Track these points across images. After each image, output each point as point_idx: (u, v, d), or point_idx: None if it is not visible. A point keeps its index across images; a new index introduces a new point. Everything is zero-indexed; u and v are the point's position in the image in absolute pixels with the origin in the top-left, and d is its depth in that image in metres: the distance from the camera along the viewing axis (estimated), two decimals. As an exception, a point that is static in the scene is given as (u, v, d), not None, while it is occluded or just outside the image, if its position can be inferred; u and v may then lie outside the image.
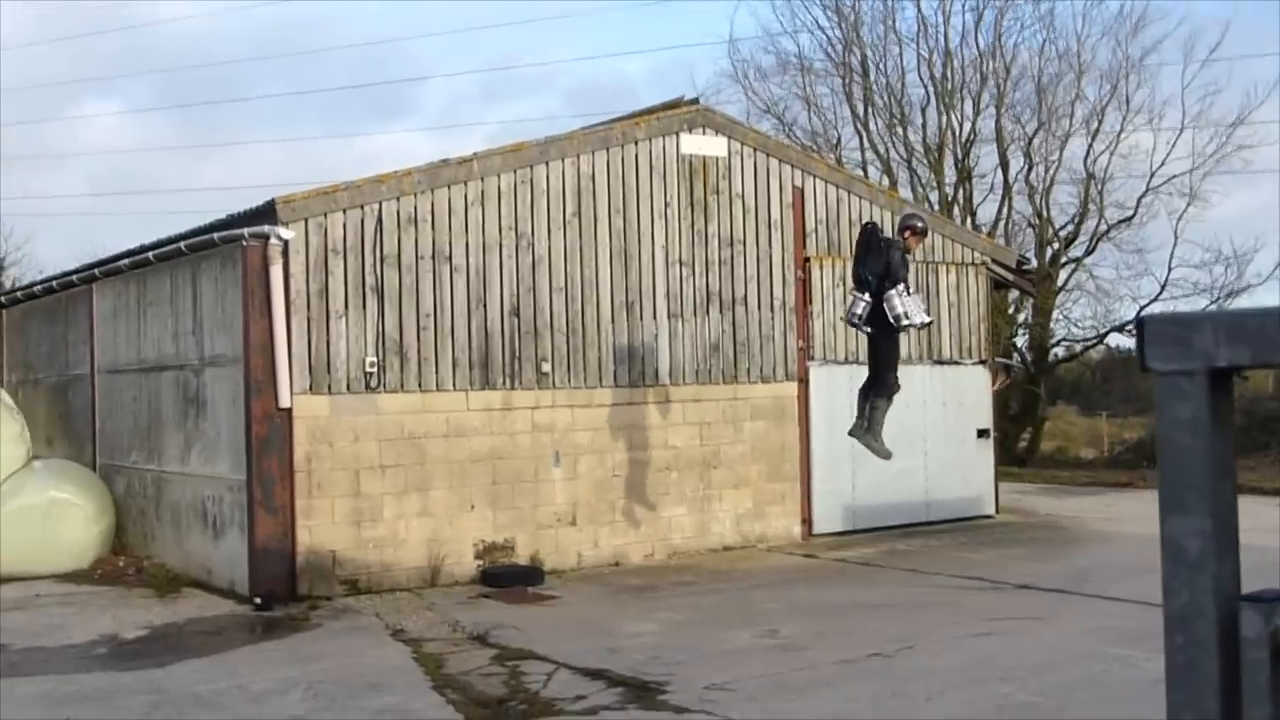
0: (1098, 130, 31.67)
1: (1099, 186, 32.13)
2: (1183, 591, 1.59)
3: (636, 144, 15.61)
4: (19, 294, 21.87)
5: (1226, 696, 1.55)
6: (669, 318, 15.77)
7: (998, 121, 32.64)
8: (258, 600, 12.71)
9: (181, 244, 14.25)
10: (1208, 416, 1.60)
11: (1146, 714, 7.89)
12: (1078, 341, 35.65)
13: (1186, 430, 1.61)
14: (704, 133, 16.21)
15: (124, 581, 14.52)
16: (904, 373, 17.77)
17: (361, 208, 13.59)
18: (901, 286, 12.13)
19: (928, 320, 13.05)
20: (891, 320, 12.15)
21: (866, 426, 12.72)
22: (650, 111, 16.57)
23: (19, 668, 10.23)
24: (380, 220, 13.70)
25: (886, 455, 12.90)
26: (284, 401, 13.02)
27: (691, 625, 11.51)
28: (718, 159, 16.30)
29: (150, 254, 15.06)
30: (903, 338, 13.23)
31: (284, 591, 12.91)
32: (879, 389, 12.75)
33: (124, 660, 10.50)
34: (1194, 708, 1.57)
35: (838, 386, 17.31)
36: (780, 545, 16.44)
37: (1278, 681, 1.55)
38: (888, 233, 13.17)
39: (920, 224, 12.82)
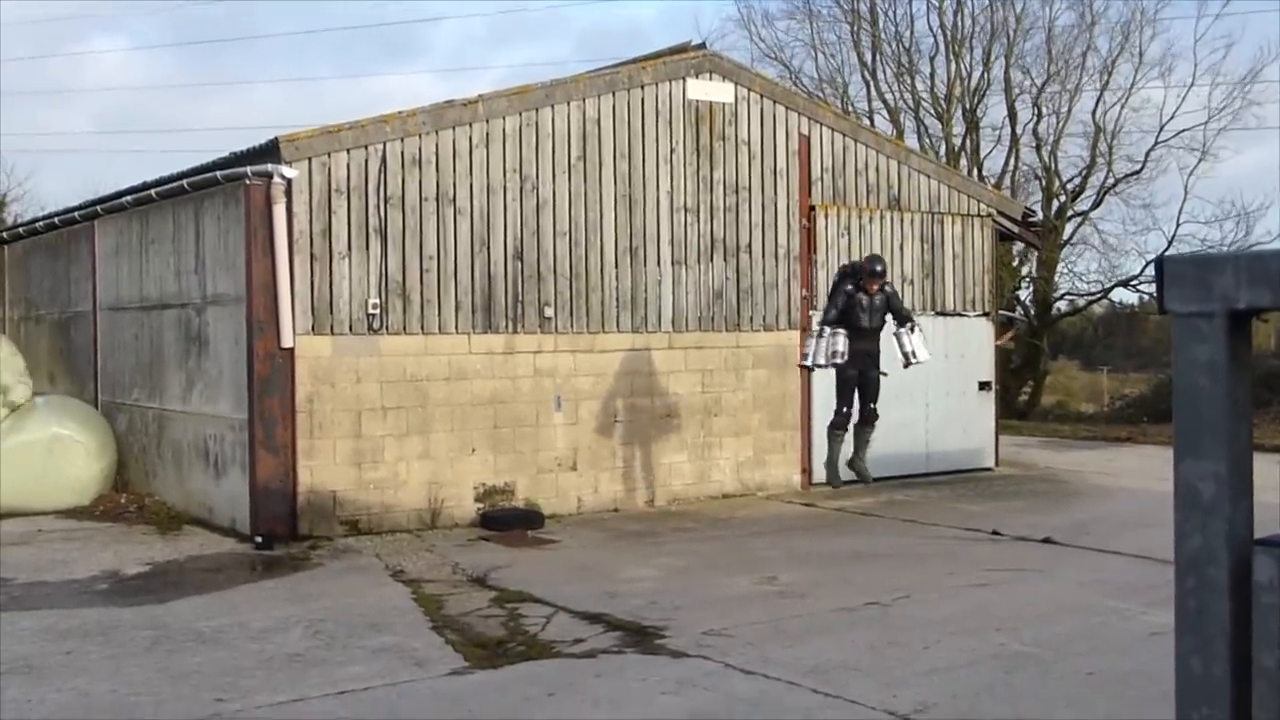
0: (1108, 82, 31.46)
1: (1108, 140, 31.97)
2: (1195, 535, 1.58)
3: (643, 88, 15.49)
4: (21, 230, 21.78)
5: (1236, 641, 1.54)
6: (673, 264, 15.72)
7: (1007, 72, 32.42)
8: (258, 539, 12.76)
9: (184, 182, 14.18)
10: (1226, 359, 1.58)
11: (1142, 666, 7.96)
12: (1081, 296, 35.62)
13: (1204, 373, 1.59)
14: (710, 78, 16.08)
15: (125, 518, 14.57)
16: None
17: (365, 148, 13.51)
18: (910, 325, 13.17)
19: (929, 357, 13.72)
20: (901, 358, 13.07)
21: (862, 456, 13.46)
22: (656, 56, 16.43)
23: (22, 601, 10.29)
24: (384, 161, 13.62)
25: (870, 479, 13.70)
26: (286, 341, 13.00)
27: (690, 571, 11.56)
28: (724, 105, 16.18)
29: (153, 191, 14.99)
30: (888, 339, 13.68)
31: (285, 531, 12.96)
32: (867, 418, 13.39)
33: (125, 596, 10.55)
34: (1203, 652, 1.56)
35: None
36: (780, 494, 16.48)
37: (1289, 627, 1.53)
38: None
39: (879, 268, 13.29)
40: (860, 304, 13.17)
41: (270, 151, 13.00)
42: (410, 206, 13.79)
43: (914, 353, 13.11)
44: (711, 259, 16.04)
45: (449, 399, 14.09)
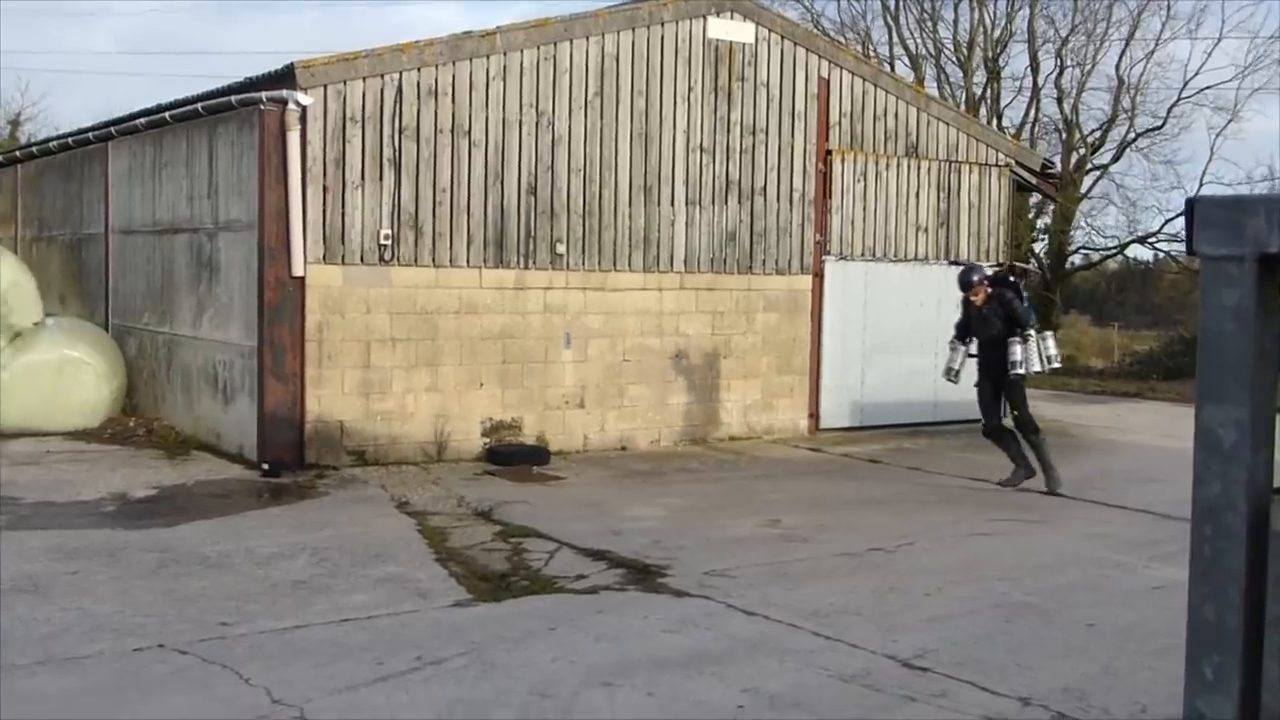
0: (1134, 35, 31.12)
1: (1131, 94, 31.68)
2: (1214, 483, 1.55)
3: (663, 25, 15.33)
4: (34, 150, 21.70)
5: (1251, 590, 1.52)
6: (687, 204, 15.63)
7: (1031, 21, 32.04)
8: (265, 466, 12.81)
9: (199, 105, 14.09)
10: (1254, 304, 1.54)
11: (1143, 619, 7.97)
12: (1097, 250, 35.45)
13: (1231, 318, 1.55)
14: (731, 17, 15.90)
15: (133, 442, 14.63)
16: (919, 272, 17.82)
17: (382, 77, 13.40)
18: (1029, 333, 12.70)
19: (1052, 366, 13.13)
20: (1009, 365, 12.65)
21: (1050, 465, 12.96)
22: (678, -7, 16.23)
23: (29, 521, 10.35)
24: (400, 90, 13.52)
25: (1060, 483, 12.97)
26: (297, 270, 12.98)
27: (695, 512, 11.59)
28: (744, 45, 16.01)
29: (167, 114, 14.92)
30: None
31: (291, 459, 13.00)
32: (1027, 429, 13.06)
33: (132, 518, 10.61)
34: (1217, 600, 1.53)
35: (852, 282, 17.23)
36: (786, 438, 16.49)
37: (1305, 577, 1.51)
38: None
39: (974, 277, 13.03)
40: (973, 314, 13.03)
41: (286, 77, 12.90)
42: (425, 138, 13.70)
43: (1025, 361, 12.60)
44: (726, 201, 15.95)
45: (459, 332, 14.07)
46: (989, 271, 13.65)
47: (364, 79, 13.30)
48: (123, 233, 17.11)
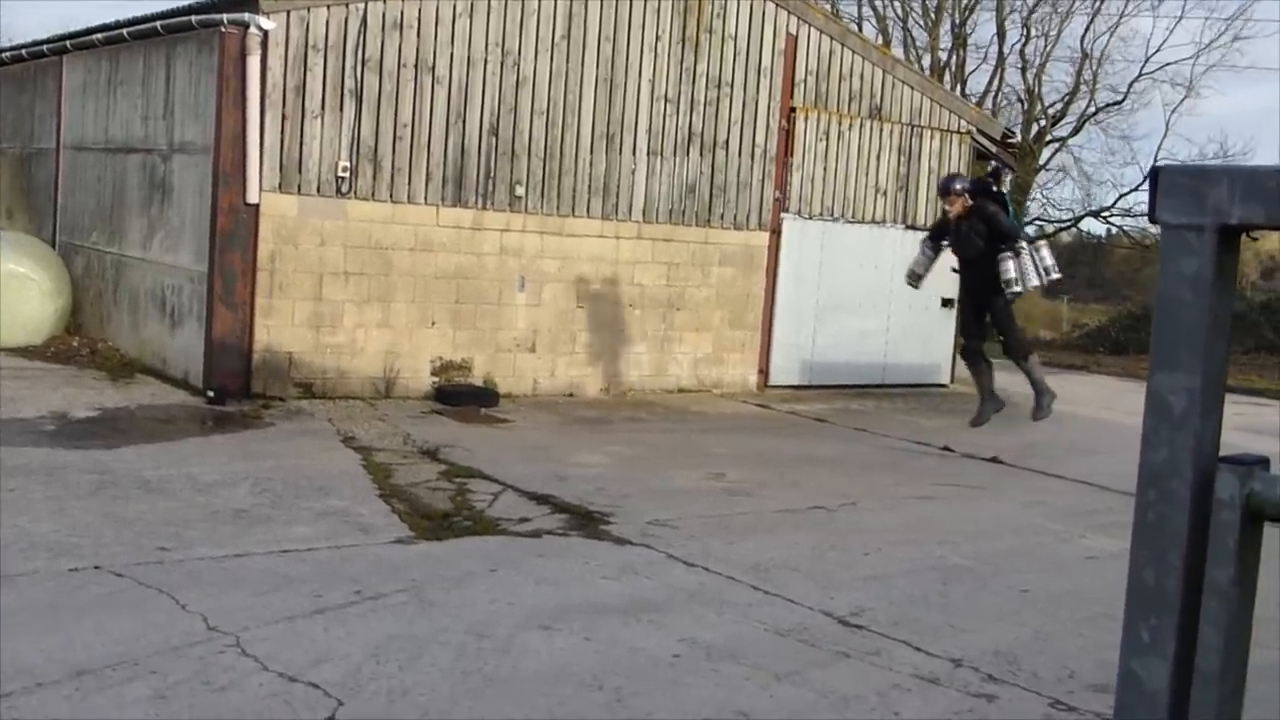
0: (1099, 8, 31.24)
1: (1094, 67, 31.85)
2: (1162, 448, 1.57)
3: (634, -29, 15.19)
4: (-14, 61, 21.23)
5: (1191, 554, 1.55)
6: (648, 154, 15.56)
7: (1001, -11, 32.05)
8: (210, 393, 12.70)
9: (158, 24, 13.83)
10: (1212, 274, 1.56)
11: (1076, 586, 8.11)
12: (1051, 222, 35.69)
13: (1188, 287, 1.57)
14: (704, -33, 15.77)
15: (76, 362, 14.46)
16: (876, 234, 17.87)
17: (346, 5, 13.20)
18: (1021, 245, 11.48)
19: (1050, 278, 11.89)
20: (1002, 285, 11.52)
21: (1044, 389, 12.16)
22: (651, -61, 16.08)
23: (-34, 435, 10.22)
24: (365, 21, 13.33)
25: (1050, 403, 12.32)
26: (252, 197, 12.82)
27: (640, 461, 11.63)
28: (715, -4, 15.91)
29: (125, 31, 14.64)
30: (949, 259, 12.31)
31: (237, 388, 12.90)
32: (1018, 352, 12.24)
33: (72, 439, 10.50)
34: (1157, 564, 1.56)
35: (809, 241, 17.26)
36: (735, 393, 16.55)
37: (1244, 545, 1.54)
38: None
39: (957, 185, 11.99)
40: (951, 230, 11.91)
41: (249, 0, 12.69)
42: (388, 71, 13.54)
43: (1021, 278, 11.47)
44: (688, 152, 15.89)
45: (412, 269, 13.98)
46: (969, 182, 12.37)
47: (328, 6, 13.10)
48: (74, 149, 16.81)
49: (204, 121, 13.14)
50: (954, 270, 12.13)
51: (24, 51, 18.36)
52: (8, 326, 14.88)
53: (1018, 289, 11.39)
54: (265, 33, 12.65)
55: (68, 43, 16.59)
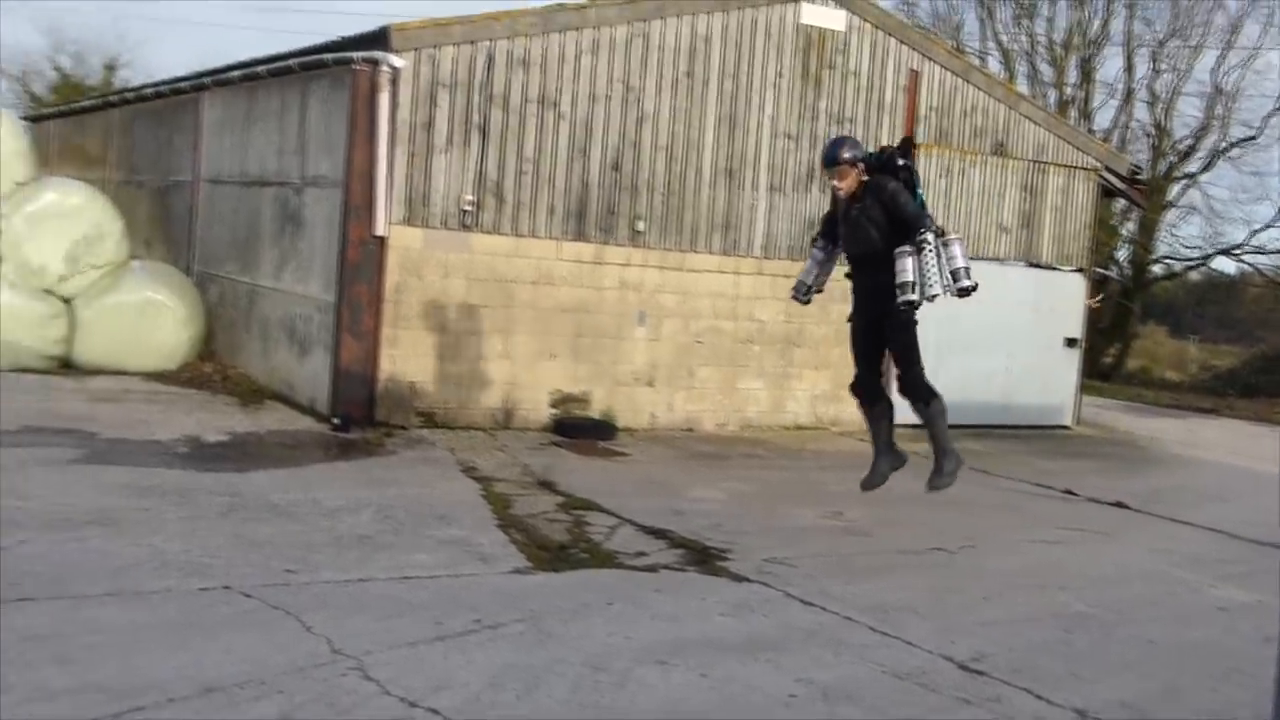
0: (1232, 42, 30.51)
1: (1226, 102, 31.06)
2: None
3: (755, 9, 15.26)
4: (129, 95, 22.06)
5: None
6: (769, 190, 15.58)
7: (1129, 23, 31.51)
8: (336, 420, 12.98)
9: (293, 62, 14.26)
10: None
11: (1206, 639, 7.88)
12: (1180, 260, 34.84)
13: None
14: (823, 4, 15.79)
15: (209, 387, 14.87)
16: (999, 272, 17.61)
17: (473, 43, 13.47)
18: (925, 238, 8.10)
19: (959, 285, 8.20)
20: (896, 289, 8.12)
21: (948, 449, 9.14)
22: (774, -24, 16.15)
23: (106, 456, 10.57)
24: (491, 58, 13.59)
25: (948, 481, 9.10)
26: (379, 229, 13.11)
27: (757, 498, 11.59)
28: (835, 32, 15.91)
29: (261, 69, 15.11)
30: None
31: (362, 415, 13.16)
32: (915, 393, 9.06)
33: (204, 461, 10.80)
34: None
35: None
36: (853, 430, 16.38)
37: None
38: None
39: (844, 154, 8.44)
40: (840, 215, 8.49)
41: (380, 39, 13.01)
42: (512, 107, 13.77)
43: (911, 284, 8.05)
44: (809, 188, 15.87)
45: (534, 302, 14.15)
46: (866, 150, 8.57)
47: (456, 45, 13.38)
48: (211, 182, 17.36)
49: (335, 156, 13.49)
50: (847, 276, 8.61)
51: (165, 88, 19.02)
52: (144, 352, 15.38)
53: (913, 296, 8.05)
54: (396, 70, 12.96)
55: (207, 80, 17.17)
